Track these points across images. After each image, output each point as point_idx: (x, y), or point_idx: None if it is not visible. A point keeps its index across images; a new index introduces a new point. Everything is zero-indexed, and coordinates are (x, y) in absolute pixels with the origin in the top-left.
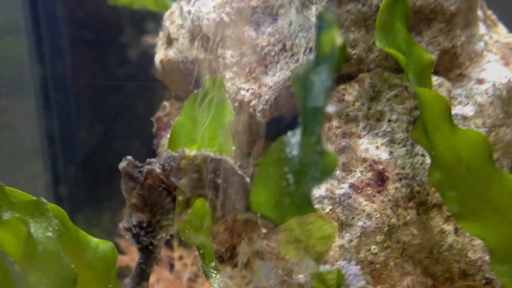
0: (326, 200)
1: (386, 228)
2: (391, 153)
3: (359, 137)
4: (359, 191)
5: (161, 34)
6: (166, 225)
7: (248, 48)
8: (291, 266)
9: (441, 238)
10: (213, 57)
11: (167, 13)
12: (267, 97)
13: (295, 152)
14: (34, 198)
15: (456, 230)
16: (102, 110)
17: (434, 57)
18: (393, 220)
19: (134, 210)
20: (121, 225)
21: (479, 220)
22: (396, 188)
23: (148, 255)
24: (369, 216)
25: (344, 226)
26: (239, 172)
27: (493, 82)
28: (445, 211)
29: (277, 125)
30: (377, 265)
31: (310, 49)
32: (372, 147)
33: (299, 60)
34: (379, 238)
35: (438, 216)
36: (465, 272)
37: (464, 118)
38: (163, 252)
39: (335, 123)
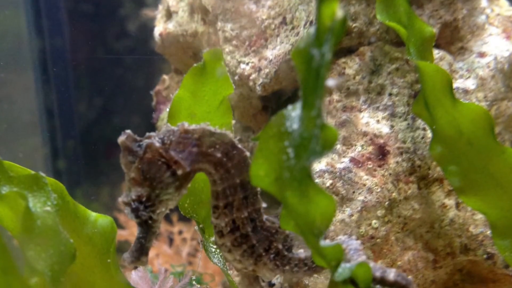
0: (326, 174)
1: (387, 203)
2: (392, 127)
3: (360, 111)
4: (359, 165)
5: (160, 7)
6: (166, 200)
7: (248, 22)
8: (291, 241)
9: (442, 213)
10: (212, 30)
11: None
12: (267, 70)
13: (295, 126)
14: (32, 172)
15: (457, 205)
16: (101, 83)
17: (435, 30)
18: (394, 194)
19: (133, 184)
20: (120, 199)
21: (480, 195)
22: (397, 162)
23: (147, 229)
24: (370, 190)
25: (344, 200)
26: (239, 146)
27: (494, 56)
28: (447, 185)
29: (277, 99)
30: (378, 240)
31: (311, 22)
32: (373, 121)
33: (299, 34)
34: (380, 212)
35: (439, 191)
36: (467, 247)
37: (466, 91)
38: (163, 227)
39: (335, 97)
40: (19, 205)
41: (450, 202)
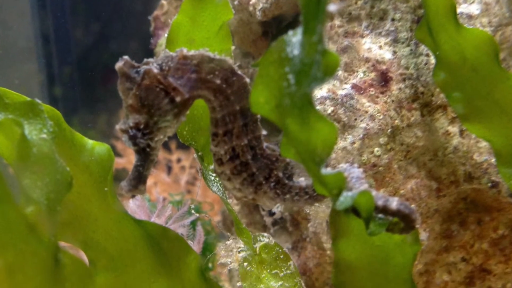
0: (328, 101)
1: (389, 130)
2: (394, 53)
3: (362, 36)
4: (361, 91)
5: None
6: (164, 127)
7: None
8: (292, 169)
9: (446, 140)
10: None
11: None
12: None
13: (296, 51)
14: (28, 99)
15: (461, 132)
16: (98, 8)
17: None
18: (396, 121)
19: (131, 111)
20: (117, 126)
21: (485, 122)
22: (400, 88)
23: (145, 157)
24: (372, 117)
25: (346, 127)
26: (239, 72)
27: None
28: (450, 112)
29: (277, 24)
30: (380, 168)
31: None
32: (375, 47)
33: None
34: (382, 140)
35: (443, 118)
36: (471, 175)
37: (470, 17)
38: (161, 155)
39: (337, 22)
40: (15, 132)
41: (453, 129)
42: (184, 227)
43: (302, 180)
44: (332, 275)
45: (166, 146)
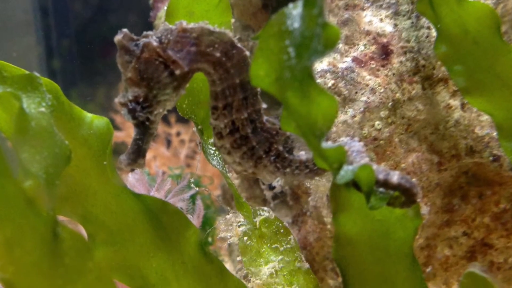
0: (328, 74)
1: (390, 103)
2: (395, 25)
3: (363, 9)
4: (362, 65)
5: None
6: (163, 100)
7: None
8: (292, 143)
9: (447, 114)
10: None
11: None
12: None
13: (296, 24)
14: (26, 72)
15: (462, 105)
16: None
17: None
18: (397, 95)
19: (130, 84)
20: (116, 100)
21: (486, 95)
22: (401, 62)
23: (145, 131)
24: (372, 90)
25: (347, 101)
26: (238, 45)
27: None
28: (452, 85)
29: None
30: (381, 142)
31: None
32: (376, 20)
33: None
34: (383, 113)
35: (444, 91)
36: (472, 149)
37: None
38: (160, 128)
39: None
40: (13, 106)
41: (455, 102)
42: (183, 201)
43: (302, 154)
44: (332, 249)
45: (165, 119)
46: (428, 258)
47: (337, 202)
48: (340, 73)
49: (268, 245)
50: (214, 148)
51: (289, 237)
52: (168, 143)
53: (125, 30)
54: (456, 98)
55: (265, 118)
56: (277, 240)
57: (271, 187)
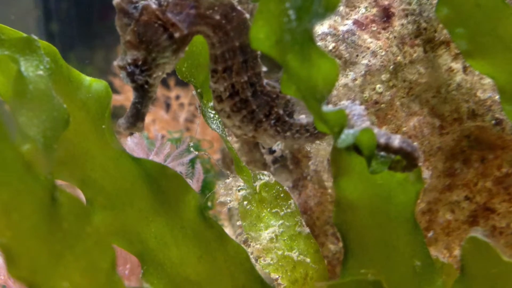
0: (329, 37)
1: (391, 66)
2: None
3: None
4: (363, 27)
5: None
6: (163, 63)
7: None
8: (292, 107)
9: (449, 77)
10: None
11: None
12: None
13: None
14: (24, 35)
15: (464, 69)
16: None
17: None
18: (399, 58)
19: (129, 47)
20: (115, 63)
21: (488, 58)
22: (402, 24)
23: (144, 94)
24: (374, 53)
25: (347, 64)
26: (238, 8)
27: None
28: (453, 48)
29: None
30: (382, 105)
31: None
32: None
33: None
34: (384, 76)
35: (446, 54)
36: (474, 112)
37: None
38: (159, 92)
39: None
40: (11, 69)
41: (457, 65)
42: (183, 165)
43: (302, 118)
44: (333, 214)
45: (164, 82)
46: (429, 222)
47: (338, 166)
48: (341, 36)
49: (268, 209)
50: (213, 112)
51: (289, 202)
52: (167, 106)
53: None
54: (458, 61)
55: (265, 81)
56: (277, 205)
57: (271, 151)
